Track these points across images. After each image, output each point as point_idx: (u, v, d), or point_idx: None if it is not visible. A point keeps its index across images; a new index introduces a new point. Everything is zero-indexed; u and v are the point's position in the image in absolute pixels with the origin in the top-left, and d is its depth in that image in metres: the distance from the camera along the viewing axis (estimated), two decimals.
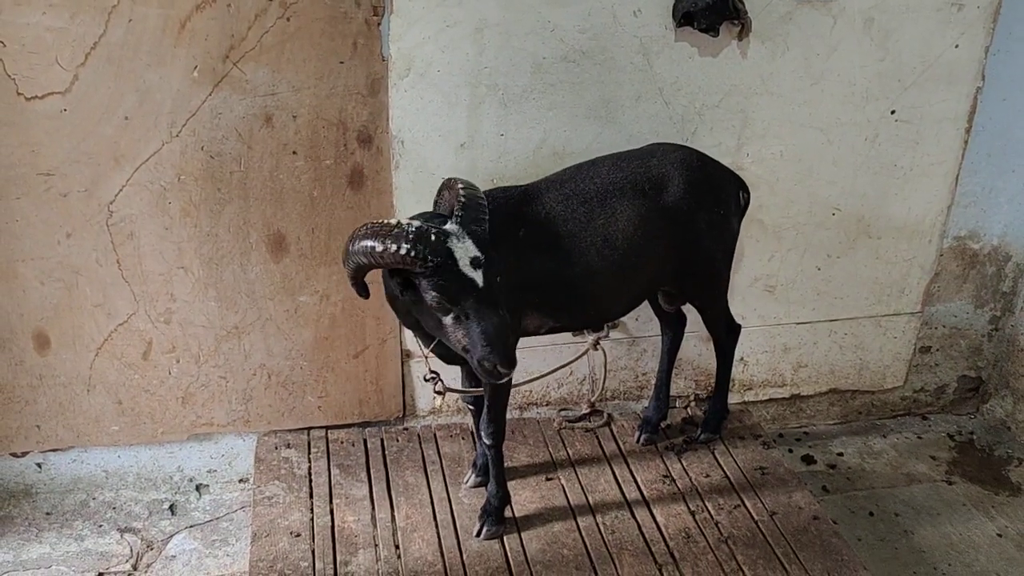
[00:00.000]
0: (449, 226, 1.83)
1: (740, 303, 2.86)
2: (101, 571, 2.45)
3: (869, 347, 3.10)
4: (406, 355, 2.71)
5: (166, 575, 2.45)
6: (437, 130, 2.44)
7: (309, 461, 2.61)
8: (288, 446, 2.67)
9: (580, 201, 2.19)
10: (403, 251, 1.75)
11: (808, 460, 3.04)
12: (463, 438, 2.73)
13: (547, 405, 2.90)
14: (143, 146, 2.30)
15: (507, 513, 2.38)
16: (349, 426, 2.74)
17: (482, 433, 2.28)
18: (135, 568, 2.48)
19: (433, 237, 1.77)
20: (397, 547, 2.31)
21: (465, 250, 1.81)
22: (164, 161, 2.33)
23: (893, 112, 2.69)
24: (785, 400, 3.13)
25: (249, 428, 2.69)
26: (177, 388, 2.59)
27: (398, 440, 2.71)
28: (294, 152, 2.39)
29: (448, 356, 2.15)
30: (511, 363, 1.84)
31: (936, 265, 3.00)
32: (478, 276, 1.81)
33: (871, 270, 2.95)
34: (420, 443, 2.70)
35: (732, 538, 2.38)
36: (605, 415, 2.84)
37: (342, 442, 2.69)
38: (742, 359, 2.99)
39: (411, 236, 1.76)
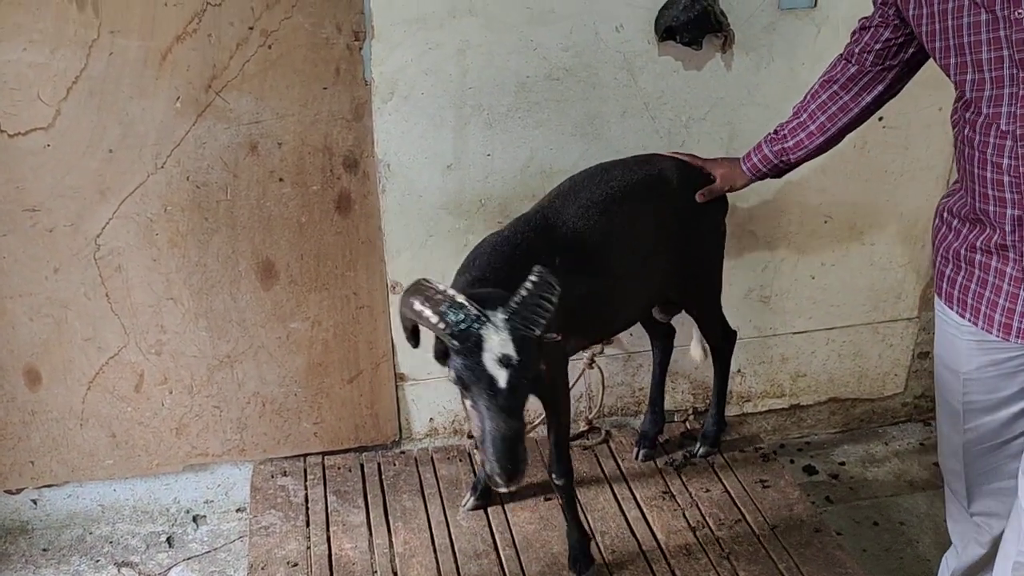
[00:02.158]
0: (497, 312, 1.64)
1: (735, 314, 2.84)
2: None
3: (867, 354, 3.08)
4: (400, 378, 2.70)
5: None
6: (423, 152, 2.44)
7: (306, 488, 2.59)
8: (284, 474, 2.65)
9: (599, 211, 2.11)
10: (432, 319, 1.63)
11: (810, 471, 3.02)
12: (460, 460, 2.71)
13: (544, 425, 2.87)
14: (128, 178, 2.30)
15: (591, 550, 2.30)
16: (345, 451, 2.73)
17: (553, 473, 2.18)
18: None
19: (467, 317, 1.61)
20: (395, 574, 2.29)
21: (499, 344, 1.61)
22: (150, 192, 2.32)
23: (881, 119, 2.68)
24: (785, 411, 3.11)
25: (245, 457, 2.67)
26: (171, 419, 2.57)
27: (395, 464, 2.69)
28: (280, 179, 2.38)
29: None
30: (511, 479, 1.64)
31: (931, 270, 2.98)
32: (502, 376, 1.61)
33: (866, 277, 2.94)
34: (417, 466, 2.68)
35: (734, 554, 2.35)
36: (603, 432, 2.82)
37: (339, 468, 2.67)
38: (739, 371, 2.97)
39: (445, 307, 1.62)
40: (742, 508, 2.53)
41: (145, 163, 2.29)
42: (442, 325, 1.61)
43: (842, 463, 3.07)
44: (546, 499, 2.55)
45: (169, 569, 2.56)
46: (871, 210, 2.82)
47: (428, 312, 1.63)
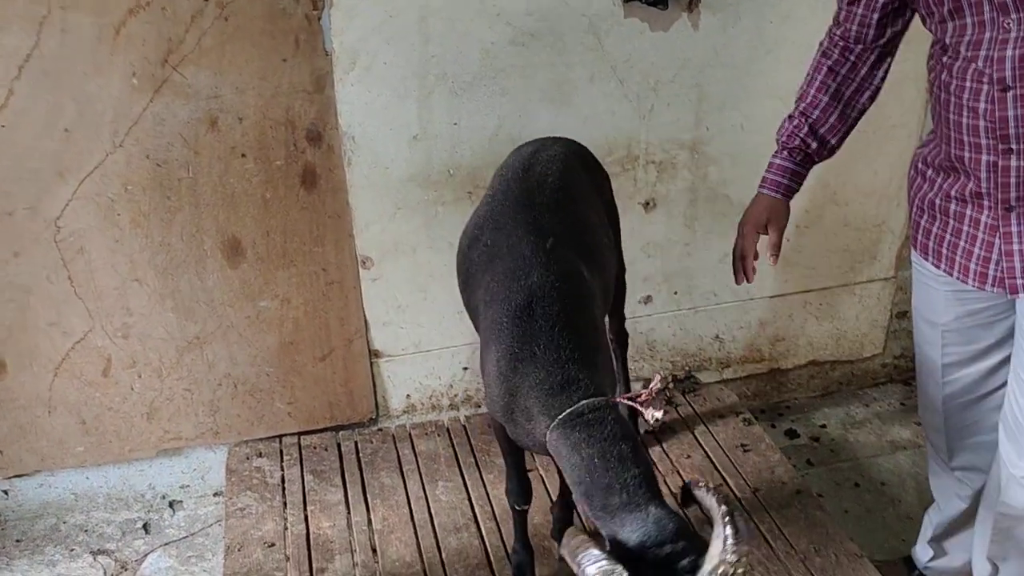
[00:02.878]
0: None
1: (711, 280, 2.82)
2: None
3: (845, 316, 3.07)
4: (375, 355, 2.66)
5: None
6: (388, 124, 2.39)
7: (282, 469, 2.56)
8: (260, 455, 2.61)
9: (560, 212, 1.89)
10: None
11: (791, 434, 3.01)
12: (438, 435, 2.68)
13: None
14: (86, 158, 2.24)
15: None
16: (321, 431, 2.69)
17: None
18: None
19: None
20: (374, 550, 2.26)
21: None
22: (109, 172, 2.27)
23: None
24: (764, 375, 3.10)
25: (219, 440, 2.63)
26: (141, 404, 2.53)
27: (372, 442, 2.66)
28: (243, 155, 2.33)
29: None
30: None
31: (906, 228, 2.96)
32: None
33: (841, 238, 2.92)
34: (395, 443, 2.65)
35: None
36: None
37: (315, 447, 2.64)
38: (718, 336, 2.95)
39: None
40: (723, 473, 2.51)
41: (103, 142, 2.24)
42: None
43: (823, 426, 3.06)
44: (527, 471, 2.52)
45: (146, 555, 2.52)
46: (844, 170, 2.80)
47: None
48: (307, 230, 2.45)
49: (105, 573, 2.46)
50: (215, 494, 2.71)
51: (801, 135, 2.00)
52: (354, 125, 2.37)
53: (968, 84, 1.65)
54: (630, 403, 1.66)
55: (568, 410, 1.54)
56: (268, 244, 2.44)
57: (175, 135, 2.27)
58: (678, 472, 2.51)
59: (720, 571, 1.28)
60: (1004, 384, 1.97)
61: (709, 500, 1.40)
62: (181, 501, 2.69)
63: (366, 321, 2.60)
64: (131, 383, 2.50)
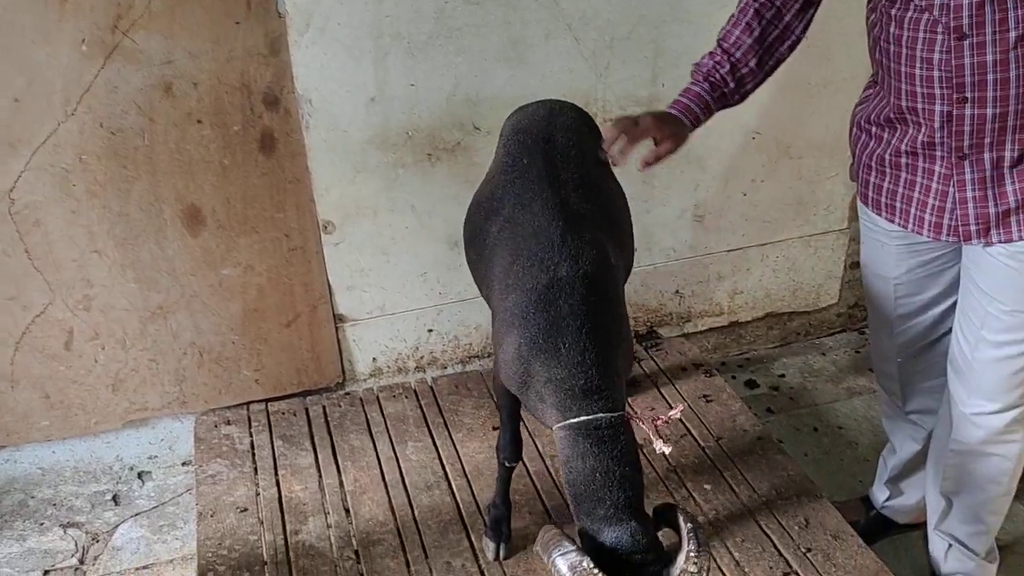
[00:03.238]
0: None
1: (670, 236, 2.87)
2: (47, 569, 2.40)
3: (801, 268, 3.14)
4: (339, 319, 2.67)
5: (114, 566, 2.40)
6: (344, 86, 2.38)
7: (251, 435, 2.56)
8: (228, 423, 2.61)
9: (587, 189, 1.85)
10: None
11: (751, 384, 3.09)
12: (406, 397, 2.70)
13: (488, 356, 2.88)
14: (38, 128, 2.21)
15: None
16: (289, 397, 2.70)
17: None
18: (82, 562, 2.42)
19: None
20: (347, 511, 2.29)
21: None
22: (63, 142, 2.23)
23: None
24: (724, 328, 3.16)
25: (186, 409, 2.63)
26: (106, 375, 2.51)
27: (340, 406, 2.68)
28: (199, 121, 2.31)
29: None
30: None
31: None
32: None
33: (796, 191, 2.98)
34: (363, 406, 2.67)
35: (680, 467, 2.40)
36: None
37: (283, 413, 2.65)
38: (678, 292, 3.00)
39: None
40: (687, 423, 2.57)
41: (55, 111, 2.20)
42: None
43: (782, 375, 3.14)
44: (494, 428, 2.56)
45: (117, 526, 2.53)
46: (797, 123, 2.85)
47: None
48: (267, 196, 2.44)
49: (76, 545, 2.46)
50: (183, 464, 2.71)
51: (722, 72, 1.96)
52: (311, 88, 2.36)
53: (922, 35, 1.69)
54: (643, 424, 1.70)
55: (584, 418, 1.56)
56: (228, 211, 2.42)
57: (129, 102, 2.24)
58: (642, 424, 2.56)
59: None
60: (951, 330, 2.05)
61: (676, 518, 1.51)
62: (150, 472, 2.69)
63: (330, 286, 2.61)
64: (95, 355, 2.48)
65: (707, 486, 2.33)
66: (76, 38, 2.14)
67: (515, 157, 1.91)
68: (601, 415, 1.56)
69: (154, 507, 2.59)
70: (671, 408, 2.60)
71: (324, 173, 2.46)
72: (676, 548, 1.49)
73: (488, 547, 2.13)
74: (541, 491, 2.33)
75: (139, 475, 2.68)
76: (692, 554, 1.45)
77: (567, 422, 1.57)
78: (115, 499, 2.61)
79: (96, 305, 2.43)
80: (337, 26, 2.30)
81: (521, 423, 2.07)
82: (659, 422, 1.70)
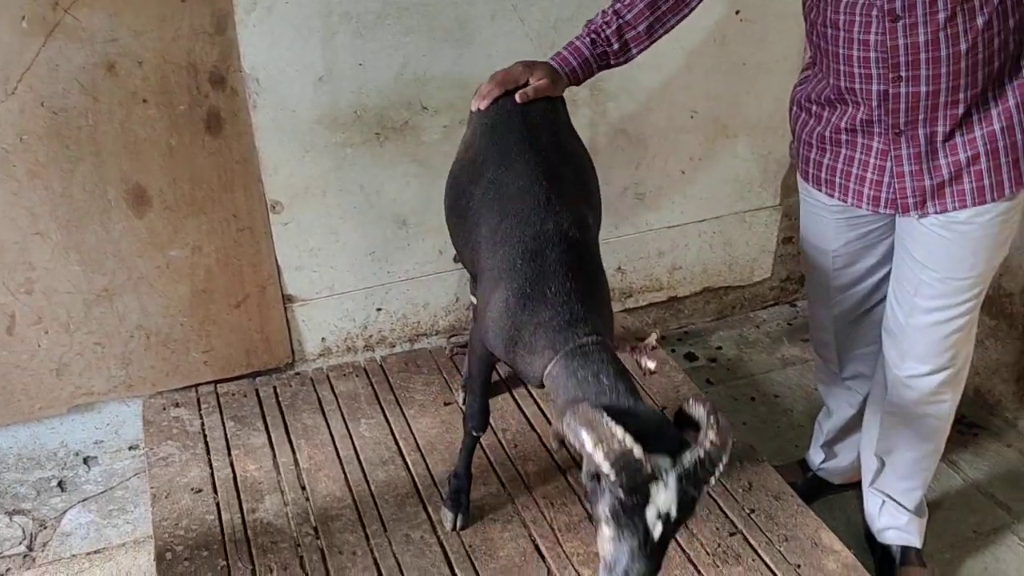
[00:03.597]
0: (671, 469, 1.45)
1: (613, 213, 2.94)
2: None
3: (736, 243, 3.25)
4: (288, 300, 2.67)
5: (65, 551, 2.37)
6: (292, 65, 2.38)
7: (201, 417, 2.55)
8: (177, 405, 2.60)
9: (563, 153, 1.97)
10: (604, 467, 1.43)
11: (691, 357, 3.19)
12: (356, 375, 2.72)
13: (436, 334, 2.92)
14: None
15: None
16: (238, 378, 2.69)
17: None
18: (30, 549, 2.38)
19: (641, 474, 1.45)
20: (304, 488, 2.30)
21: (662, 502, 1.47)
22: (2, 122, 2.18)
23: (738, 12, 2.79)
24: (663, 303, 3.25)
25: (133, 392, 2.60)
26: (49, 360, 2.47)
27: (291, 385, 2.68)
28: (144, 100, 2.28)
29: None
30: None
31: (789, 158, 3.15)
32: (657, 528, 1.47)
33: (731, 169, 3.08)
34: (314, 386, 2.68)
35: None
36: None
37: (233, 394, 2.64)
38: (619, 268, 3.08)
39: (620, 459, 1.43)
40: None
41: None
42: (612, 476, 1.43)
43: (719, 348, 3.25)
44: (445, 404, 2.60)
45: (64, 512, 2.49)
46: (733, 103, 2.95)
47: (599, 457, 1.43)
48: (215, 176, 2.42)
49: (24, 532, 2.42)
50: (130, 448, 2.68)
51: (608, 32, 2.01)
52: (258, 67, 2.35)
53: (858, 18, 1.78)
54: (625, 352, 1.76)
55: (572, 344, 1.62)
56: (175, 192, 2.40)
57: (71, 81, 2.20)
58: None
59: (707, 453, 1.42)
60: (884, 298, 2.16)
61: (697, 408, 1.51)
62: (95, 457, 2.66)
63: (278, 266, 2.61)
64: (38, 340, 2.44)
65: None
66: (16, 15, 2.09)
67: (494, 121, 1.99)
68: (587, 338, 1.63)
69: (102, 492, 2.56)
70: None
71: (272, 153, 2.45)
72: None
73: (446, 517, 2.18)
74: (495, 463, 2.38)
75: (85, 460, 2.64)
76: (713, 427, 1.45)
77: (558, 354, 1.63)
78: (61, 485, 2.57)
79: (39, 288, 2.38)
80: (285, 5, 2.30)
81: None
82: (637, 349, 1.78)
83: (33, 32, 2.12)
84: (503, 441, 2.46)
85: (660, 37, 2.07)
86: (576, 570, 2.07)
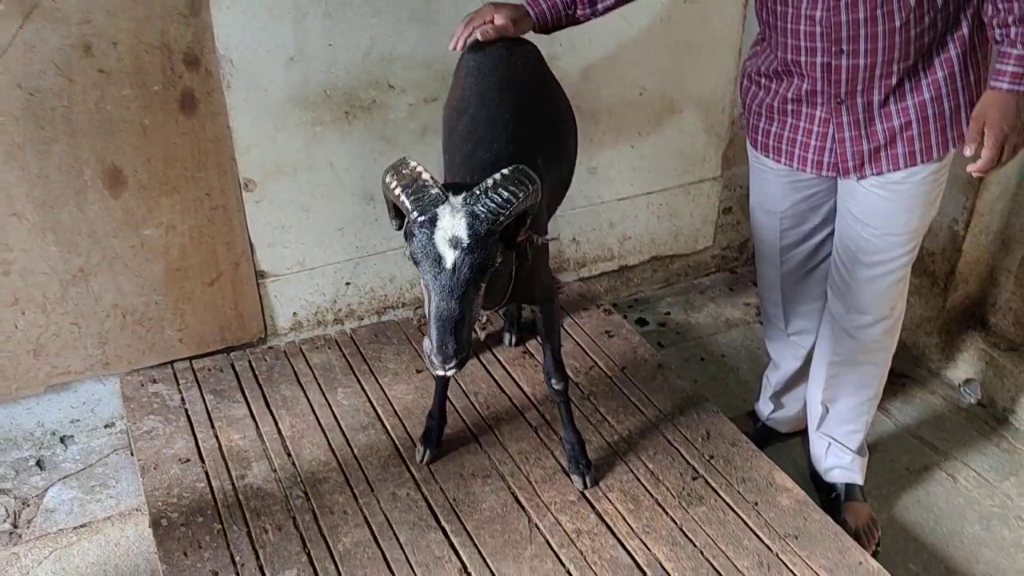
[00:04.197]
0: (460, 195, 1.63)
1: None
2: None
3: (681, 214, 3.43)
4: (260, 276, 2.74)
5: (51, 527, 2.41)
6: (264, 46, 2.44)
7: (180, 392, 2.61)
8: (154, 381, 2.65)
9: (532, 96, 2.17)
10: (396, 191, 1.64)
11: (641, 323, 3.36)
12: (329, 348, 2.81)
13: (403, 306, 3.02)
14: None
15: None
16: (213, 354, 2.75)
17: (552, 379, 2.26)
18: (15, 526, 2.42)
19: (429, 194, 1.62)
20: (289, 454, 2.39)
21: (452, 226, 1.59)
22: None
23: None
24: (615, 272, 3.42)
25: (109, 371, 2.64)
26: (26, 341, 2.49)
27: (266, 360, 2.76)
28: (118, 81, 2.32)
29: None
30: (445, 360, 1.61)
31: (729, 132, 3.34)
32: (449, 256, 1.59)
33: (677, 143, 3.25)
34: (288, 359, 2.76)
35: (592, 394, 2.64)
36: None
37: (209, 369, 2.71)
38: (574, 239, 3.23)
39: (410, 183, 1.63)
40: (593, 356, 2.81)
41: None
42: (405, 199, 1.62)
43: (667, 313, 3.44)
44: (417, 371, 2.72)
45: (46, 490, 2.53)
46: (678, 80, 3.11)
47: (396, 187, 1.64)
48: (188, 155, 2.48)
49: (7, 511, 2.45)
50: (106, 426, 2.72)
51: None
52: (231, 48, 2.41)
53: None
54: None
55: None
56: (150, 171, 2.45)
57: (47, 62, 2.23)
58: None
59: (492, 182, 1.64)
60: (829, 255, 2.36)
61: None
62: (72, 436, 2.69)
63: (251, 243, 2.67)
64: (14, 321, 2.46)
65: (618, 409, 2.58)
66: None
67: (480, 64, 2.18)
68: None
69: (81, 469, 2.60)
70: (578, 343, 2.84)
71: (245, 132, 2.52)
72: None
73: (418, 451, 2.37)
74: (470, 424, 2.51)
75: (61, 439, 2.68)
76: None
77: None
78: (39, 464, 2.60)
79: (15, 269, 2.40)
80: None
81: None
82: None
83: (10, 14, 2.15)
84: (476, 404, 2.59)
85: (621, 4, 2.26)
86: (554, 516, 2.22)
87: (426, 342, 1.64)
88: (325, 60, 2.53)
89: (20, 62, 2.20)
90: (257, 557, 2.07)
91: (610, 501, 2.26)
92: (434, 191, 1.62)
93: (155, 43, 2.33)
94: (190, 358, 2.73)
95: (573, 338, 2.90)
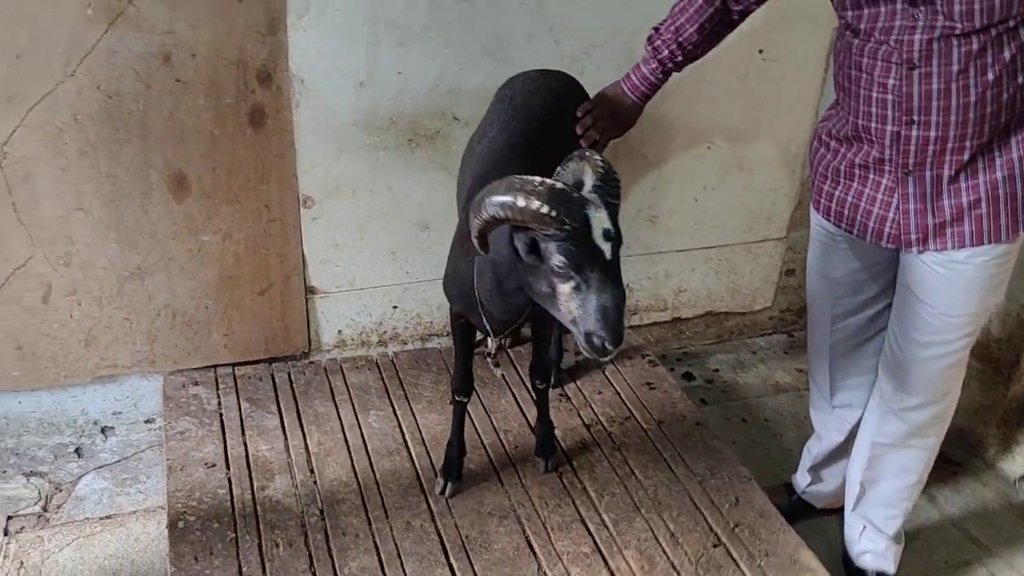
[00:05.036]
0: (587, 194, 1.75)
1: (626, 233, 3.03)
2: (10, 514, 2.46)
3: (741, 271, 3.37)
4: (310, 291, 2.79)
5: (78, 515, 2.48)
6: (337, 69, 2.50)
7: (218, 397, 2.67)
8: (196, 383, 2.71)
9: (555, 124, 2.27)
10: (543, 209, 1.65)
11: (688, 377, 3.30)
12: (368, 369, 2.84)
13: (447, 335, 3.03)
14: (37, 86, 2.27)
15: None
16: (256, 362, 2.81)
17: (538, 378, 2.39)
18: (45, 510, 2.49)
19: (573, 200, 1.69)
20: (312, 471, 2.41)
21: (600, 220, 1.71)
22: (59, 101, 2.30)
23: (761, 51, 2.92)
24: (667, 323, 3.37)
25: (154, 368, 2.72)
26: (79, 331, 2.58)
27: (305, 373, 2.79)
28: (193, 91, 2.40)
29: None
30: (620, 340, 1.73)
31: (799, 194, 3.27)
32: (607, 249, 1.72)
33: (743, 200, 3.20)
34: (327, 375, 2.79)
35: (624, 446, 2.60)
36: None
37: (249, 377, 2.76)
38: (628, 286, 3.19)
39: (553, 195, 1.66)
40: (630, 407, 2.77)
41: (54, 71, 2.27)
42: (552, 213, 1.65)
43: (716, 370, 3.37)
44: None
45: (80, 478, 2.60)
46: (750, 137, 3.07)
47: (530, 202, 1.66)
48: (252, 168, 2.54)
49: (40, 494, 2.53)
50: (146, 421, 2.79)
51: (675, 59, 2.25)
52: (304, 68, 2.47)
53: (879, 63, 1.90)
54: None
55: None
56: (214, 180, 2.52)
57: (128, 68, 2.32)
58: (590, 406, 2.75)
59: (600, 166, 1.80)
60: (883, 329, 2.28)
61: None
62: (113, 427, 2.77)
63: (304, 258, 2.72)
64: (70, 311, 2.55)
65: (648, 463, 2.53)
66: (83, 2, 2.22)
67: (511, 91, 2.30)
68: None
69: (117, 461, 2.67)
70: (617, 393, 2.81)
71: (309, 150, 2.57)
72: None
73: (438, 484, 2.37)
74: (495, 462, 2.49)
75: (102, 430, 2.75)
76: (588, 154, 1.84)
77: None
78: (78, 451, 2.68)
79: (76, 262, 2.50)
80: (335, 11, 2.42)
81: None
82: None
83: (97, 19, 2.24)
84: (504, 442, 2.57)
85: (708, 49, 2.30)
86: (565, 567, 2.18)
87: (594, 337, 1.72)
88: (395, 87, 2.57)
89: (102, 65, 2.30)
90: (264, 571, 2.09)
91: (624, 558, 2.21)
92: (575, 195, 1.71)
93: (232, 58, 2.41)
94: (233, 364, 2.78)
95: (613, 386, 2.86)
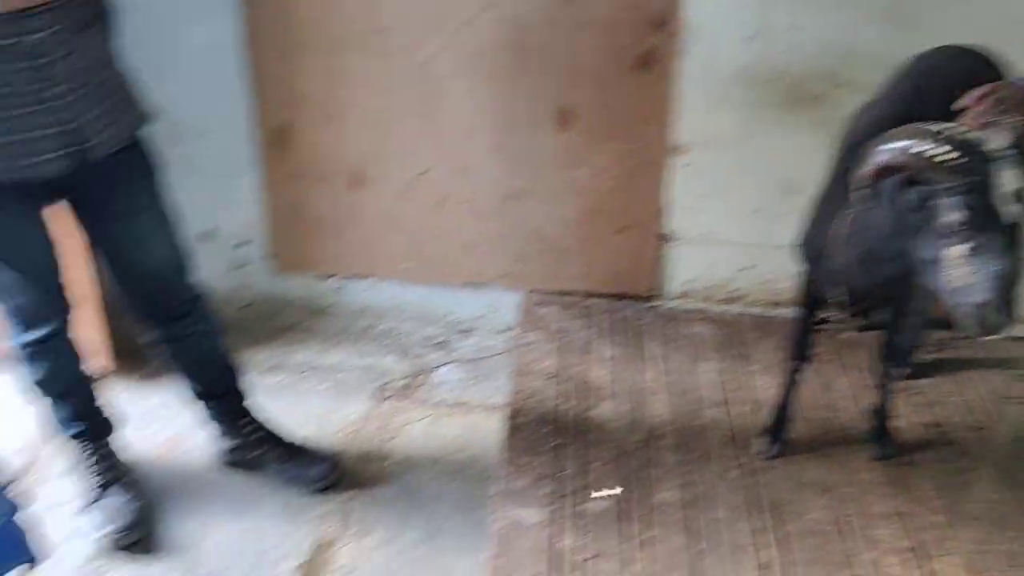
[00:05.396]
0: (998, 150, 1.55)
1: None
2: (380, 384, 2.85)
3: None
4: (667, 237, 2.87)
5: (432, 396, 2.81)
6: (728, 21, 2.51)
7: (567, 320, 2.87)
8: (549, 304, 2.94)
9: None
10: (948, 155, 1.52)
11: None
12: (708, 322, 2.87)
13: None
14: (459, 15, 2.57)
15: None
16: (604, 296, 2.96)
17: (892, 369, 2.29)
18: (408, 387, 2.86)
19: (981, 153, 1.54)
20: (639, 404, 2.52)
21: (1009, 179, 1.52)
22: (476, 32, 2.58)
23: None
24: None
25: (516, 284, 2.98)
26: (461, 238, 2.90)
27: (648, 315, 2.90)
28: (591, 31, 2.56)
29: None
30: (1010, 318, 1.53)
31: None
32: (1012, 212, 1.52)
33: None
34: (669, 320, 2.88)
35: (970, 455, 2.39)
36: None
37: (597, 308, 2.93)
38: None
39: (961, 144, 1.53)
40: (986, 417, 2.52)
41: (472, 3, 2.55)
42: (957, 161, 1.52)
43: None
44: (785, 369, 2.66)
45: (440, 367, 2.94)
46: None
47: (932, 148, 1.53)
48: (634, 110, 2.67)
49: (407, 372, 2.90)
50: (502, 331, 3.07)
51: None
52: (696, 18, 2.52)
53: None
54: None
55: None
56: (597, 117, 2.68)
57: (535, 5, 2.54)
58: (940, 407, 2.55)
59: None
60: None
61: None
62: (474, 330, 3.08)
63: (666, 205, 2.81)
64: (458, 219, 2.87)
65: (996, 479, 2.30)
66: None
67: (917, 69, 2.12)
68: None
69: (472, 359, 2.98)
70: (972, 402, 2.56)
71: (690, 98, 2.63)
72: None
73: (759, 443, 2.37)
74: (823, 438, 2.42)
75: (465, 330, 3.08)
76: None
77: None
78: (441, 344, 3.03)
79: (469, 176, 2.80)
80: None
81: None
82: None
83: None
84: (835, 420, 2.48)
85: None
86: (878, 556, 2.07)
87: (963, 309, 1.56)
88: (785, 44, 2.53)
89: (513, 2, 2.54)
90: (577, 480, 2.24)
91: (946, 564, 2.06)
92: (984, 148, 1.54)
93: (630, 2, 2.53)
94: (584, 293, 2.96)
95: (969, 392, 2.61)
